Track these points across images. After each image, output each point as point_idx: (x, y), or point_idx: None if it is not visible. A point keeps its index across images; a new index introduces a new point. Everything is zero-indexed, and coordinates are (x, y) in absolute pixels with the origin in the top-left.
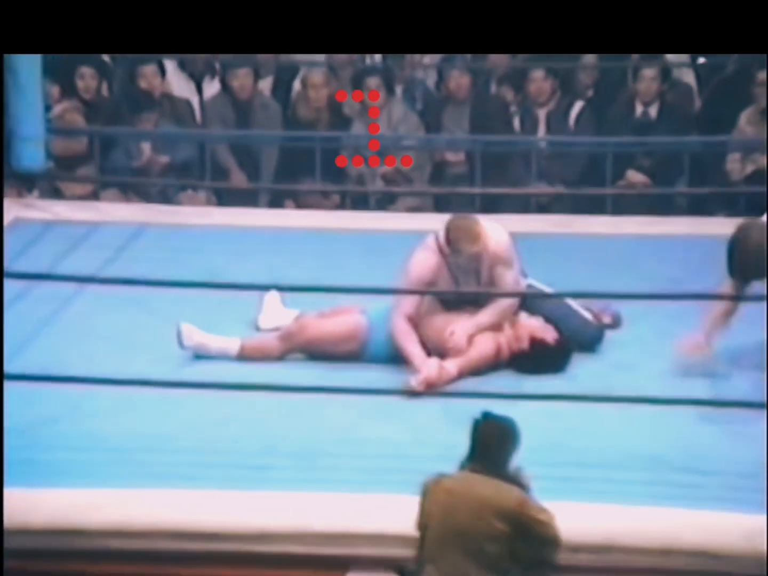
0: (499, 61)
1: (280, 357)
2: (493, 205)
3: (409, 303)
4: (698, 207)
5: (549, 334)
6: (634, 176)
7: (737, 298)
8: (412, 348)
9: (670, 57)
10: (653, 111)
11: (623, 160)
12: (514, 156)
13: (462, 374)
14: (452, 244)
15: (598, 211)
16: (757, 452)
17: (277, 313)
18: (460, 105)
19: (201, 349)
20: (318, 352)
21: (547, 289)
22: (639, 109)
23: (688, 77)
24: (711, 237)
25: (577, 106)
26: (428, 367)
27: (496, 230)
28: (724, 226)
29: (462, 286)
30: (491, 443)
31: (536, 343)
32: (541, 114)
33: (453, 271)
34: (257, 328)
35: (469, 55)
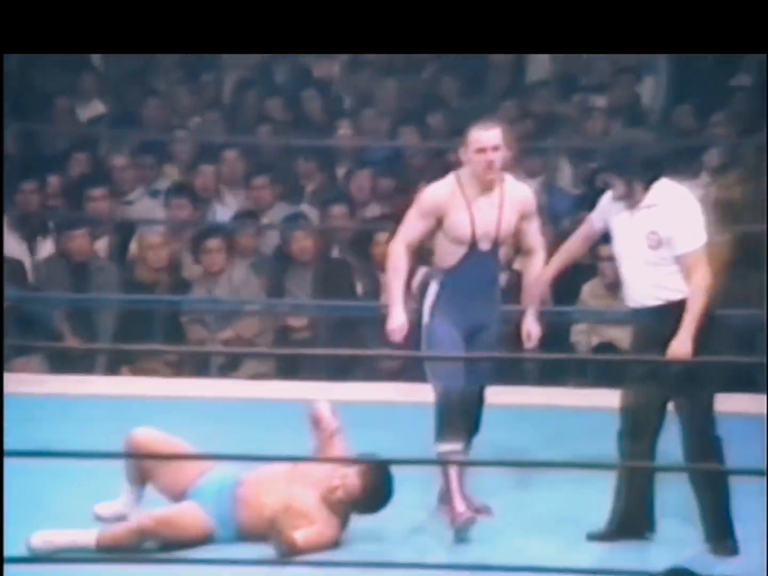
0: (342, 222)
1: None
2: (341, 372)
3: (411, 231)
4: (547, 377)
5: (353, 479)
6: None
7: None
8: (396, 285)
9: None
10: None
11: None
12: (360, 321)
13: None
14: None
15: None
16: None
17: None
18: (303, 268)
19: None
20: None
21: None
22: None
23: None
24: (562, 408)
25: (421, 270)
26: (395, 318)
27: (521, 184)
28: (574, 397)
29: (479, 222)
30: None
31: (356, 493)
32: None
33: (469, 200)
34: (96, 517)
35: (312, 218)
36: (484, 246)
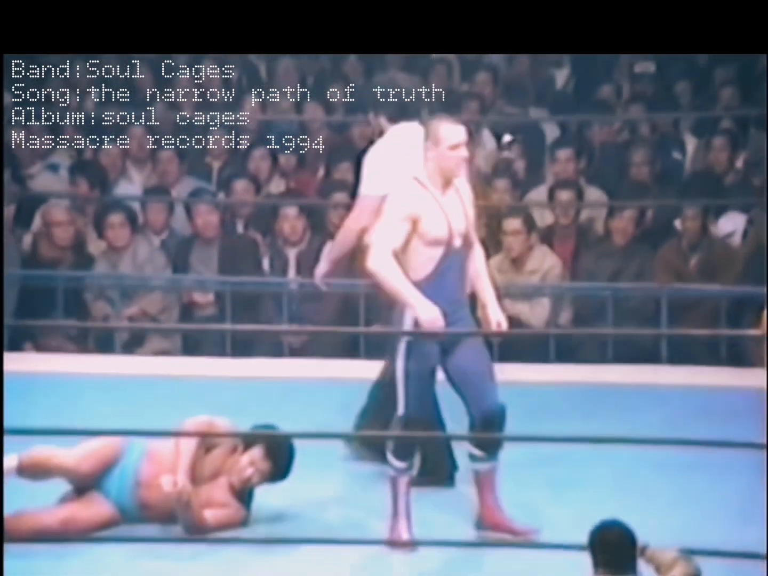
0: (247, 196)
1: None
2: (244, 348)
3: (393, 237)
4: None
5: (263, 462)
6: None
7: None
8: (404, 285)
9: None
10: None
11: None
12: (265, 297)
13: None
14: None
15: (353, 355)
16: None
17: None
18: (208, 244)
19: None
20: None
21: None
22: None
23: None
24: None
25: (329, 245)
26: (427, 308)
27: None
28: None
29: (451, 218)
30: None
31: (269, 475)
32: (292, 254)
33: (437, 198)
34: None
35: (216, 191)
36: (458, 243)
